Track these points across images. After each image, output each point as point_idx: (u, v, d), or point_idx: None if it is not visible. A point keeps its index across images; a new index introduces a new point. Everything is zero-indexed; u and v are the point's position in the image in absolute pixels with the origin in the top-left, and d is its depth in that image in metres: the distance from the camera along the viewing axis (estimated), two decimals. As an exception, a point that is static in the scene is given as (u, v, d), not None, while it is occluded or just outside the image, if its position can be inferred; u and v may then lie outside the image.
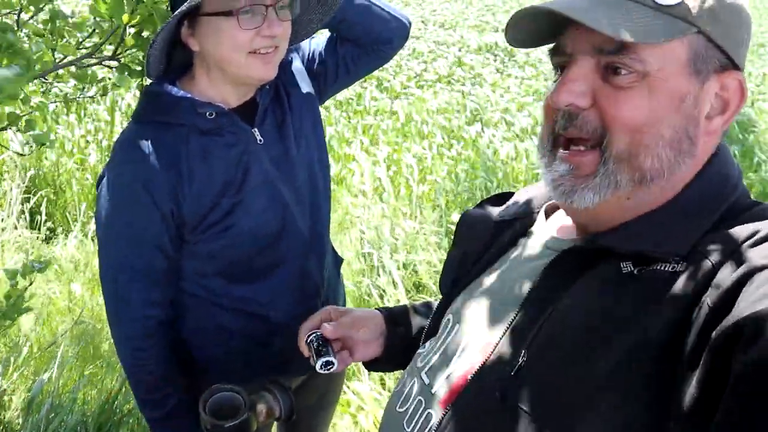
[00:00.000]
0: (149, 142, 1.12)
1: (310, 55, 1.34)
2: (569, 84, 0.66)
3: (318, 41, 1.35)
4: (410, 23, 1.37)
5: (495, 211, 0.89)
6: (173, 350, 1.26)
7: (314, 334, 0.97)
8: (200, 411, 0.87)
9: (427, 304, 1.08)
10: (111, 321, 1.23)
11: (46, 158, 3.93)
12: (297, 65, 1.31)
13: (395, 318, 1.03)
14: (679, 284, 0.60)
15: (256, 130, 1.19)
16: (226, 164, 1.15)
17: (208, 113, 1.13)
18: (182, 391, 1.26)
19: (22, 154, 1.73)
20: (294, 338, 1.20)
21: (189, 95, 1.14)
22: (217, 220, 1.16)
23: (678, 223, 0.65)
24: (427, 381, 0.77)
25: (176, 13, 1.04)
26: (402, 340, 1.01)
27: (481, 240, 0.87)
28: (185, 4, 1.03)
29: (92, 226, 3.47)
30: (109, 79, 1.83)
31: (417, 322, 1.04)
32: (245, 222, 1.18)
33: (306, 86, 1.30)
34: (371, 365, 1.05)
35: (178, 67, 1.20)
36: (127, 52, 1.36)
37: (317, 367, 0.95)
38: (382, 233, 3.30)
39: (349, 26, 1.29)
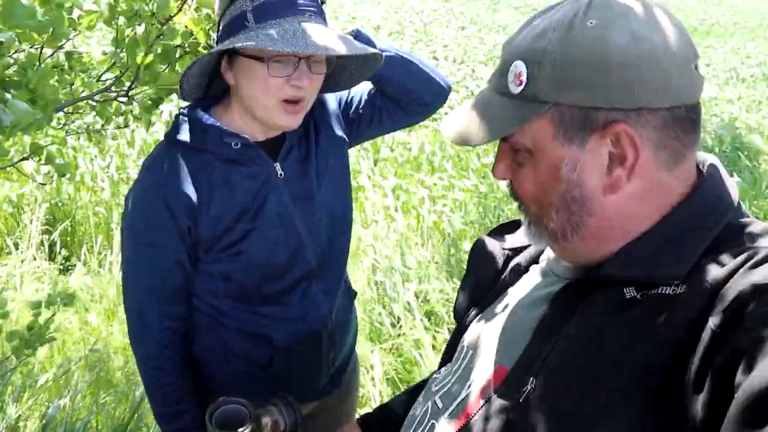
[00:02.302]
0: (175, 162, 1.17)
1: (348, 99, 1.36)
2: (496, 163, 0.75)
3: (358, 88, 1.36)
4: (450, 88, 1.38)
5: (508, 238, 0.90)
6: (188, 365, 1.30)
7: None
8: (207, 422, 0.89)
9: (406, 393, 1.05)
10: (130, 334, 1.27)
11: (60, 191, 4.02)
12: (333, 107, 1.34)
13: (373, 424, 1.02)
14: (680, 307, 0.60)
15: (278, 164, 1.22)
16: (246, 193, 1.19)
17: (233, 143, 1.17)
18: (198, 406, 1.29)
19: (43, 184, 1.79)
20: (296, 362, 1.22)
21: (218, 124, 1.18)
22: (230, 243, 1.20)
23: (675, 246, 0.66)
24: (440, 405, 0.78)
25: (213, 50, 1.10)
26: None
27: (494, 267, 0.88)
28: (223, 44, 1.08)
29: (108, 257, 3.53)
30: (131, 112, 1.90)
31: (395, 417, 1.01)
32: (256, 249, 1.21)
33: (338, 128, 1.33)
34: None
35: (218, 92, 1.25)
36: (143, 88, 1.41)
37: None
38: (394, 262, 3.32)
39: (388, 83, 1.30)
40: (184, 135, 1.18)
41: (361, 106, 1.35)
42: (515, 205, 0.77)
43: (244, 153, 1.18)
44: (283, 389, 1.30)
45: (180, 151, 1.18)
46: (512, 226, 0.93)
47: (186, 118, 1.20)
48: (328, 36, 1.07)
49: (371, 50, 1.13)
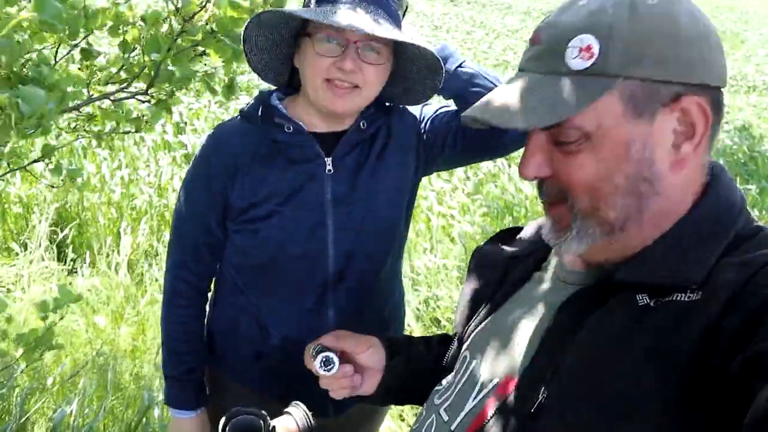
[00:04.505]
0: (232, 131, 1.25)
1: (430, 117, 1.30)
2: (529, 158, 0.70)
3: (444, 110, 1.31)
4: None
5: (507, 246, 0.89)
6: (202, 324, 1.35)
7: (317, 346, 0.98)
8: (220, 434, 0.87)
9: (427, 339, 1.05)
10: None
11: (71, 192, 4.01)
12: (412, 123, 1.30)
13: (394, 347, 1.00)
14: (697, 314, 0.59)
15: (329, 159, 1.21)
16: (283, 176, 1.21)
17: (286, 127, 1.20)
18: (199, 361, 1.36)
19: (53, 186, 1.78)
20: (290, 369, 1.20)
21: (279, 106, 1.23)
22: (253, 219, 1.22)
23: (691, 251, 0.65)
24: (446, 418, 0.77)
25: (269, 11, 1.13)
26: (399, 373, 0.98)
27: (494, 276, 0.87)
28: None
29: (116, 258, 3.52)
30: (143, 116, 1.89)
31: (415, 354, 1.01)
32: (276, 233, 1.21)
33: (410, 147, 1.29)
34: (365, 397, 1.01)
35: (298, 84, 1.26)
36: (161, 87, 1.41)
37: (317, 365, 0.94)
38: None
39: (462, 104, 1.24)
40: (252, 110, 1.24)
41: (438, 125, 1.28)
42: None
43: (294, 138, 1.20)
44: (268, 380, 1.32)
45: (243, 123, 1.25)
46: (510, 235, 0.92)
47: (259, 98, 1.26)
48: (373, 22, 1.05)
49: (418, 42, 1.10)
